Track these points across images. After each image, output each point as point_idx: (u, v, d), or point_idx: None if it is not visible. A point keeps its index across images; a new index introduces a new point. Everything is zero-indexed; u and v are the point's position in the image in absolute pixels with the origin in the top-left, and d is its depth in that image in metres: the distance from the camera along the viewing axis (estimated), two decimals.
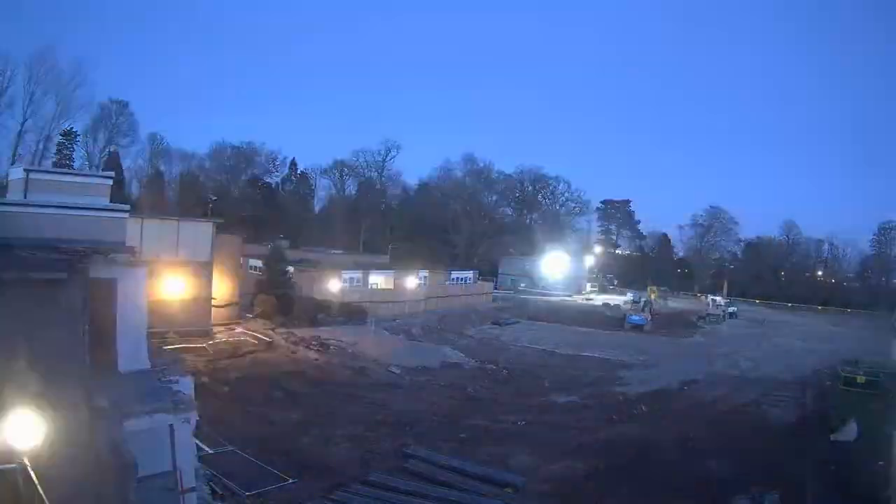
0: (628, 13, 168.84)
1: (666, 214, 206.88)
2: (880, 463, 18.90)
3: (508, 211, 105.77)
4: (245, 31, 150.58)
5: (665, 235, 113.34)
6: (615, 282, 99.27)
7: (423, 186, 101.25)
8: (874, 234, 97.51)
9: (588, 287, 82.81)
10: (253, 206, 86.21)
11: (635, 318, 54.59)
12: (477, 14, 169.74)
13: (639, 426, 24.05)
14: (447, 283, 59.70)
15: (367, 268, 54.16)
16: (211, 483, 14.29)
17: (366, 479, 16.57)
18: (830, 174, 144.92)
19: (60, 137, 67.30)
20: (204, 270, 32.05)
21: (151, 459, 10.70)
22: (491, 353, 38.37)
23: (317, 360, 30.60)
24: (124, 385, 11.57)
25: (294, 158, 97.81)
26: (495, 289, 66.95)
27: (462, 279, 63.81)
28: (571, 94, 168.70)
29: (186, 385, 12.91)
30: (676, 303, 75.38)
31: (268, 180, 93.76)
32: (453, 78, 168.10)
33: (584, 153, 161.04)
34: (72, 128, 68.08)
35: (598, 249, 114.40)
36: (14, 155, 58.60)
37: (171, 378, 12.83)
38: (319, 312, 40.47)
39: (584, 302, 69.94)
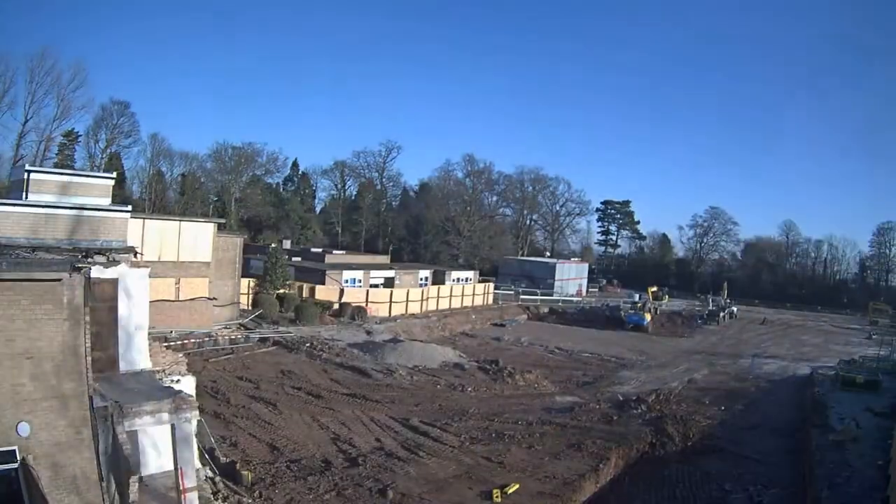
0: (625, 12, 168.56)
1: (666, 214, 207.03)
2: (879, 463, 18.96)
3: (508, 211, 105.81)
4: (246, 31, 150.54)
5: (665, 236, 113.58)
6: (615, 282, 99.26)
7: (424, 187, 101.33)
8: (873, 235, 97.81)
9: (588, 287, 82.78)
10: (254, 206, 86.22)
11: (635, 318, 54.64)
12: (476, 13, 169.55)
13: (639, 426, 24.08)
14: (447, 283, 59.77)
15: (367, 268, 54.25)
16: (211, 482, 14.33)
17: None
18: (830, 174, 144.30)
19: (62, 138, 67.30)
20: (204, 271, 32.12)
21: (152, 459, 10.78)
22: (491, 353, 38.39)
23: (317, 359, 30.65)
24: (125, 385, 11.62)
25: (296, 159, 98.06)
26: (495, 289, 66.89)
27: (462, 279, 63.88)
28: (571, 93, 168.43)
29: (187, 385, 12.98)
30: (676, 303, 75.38)
31: (268, 180, 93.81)
32: (454, 77, 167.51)
33: (584, 152, 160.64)
34: (73, 128, 68.13)
35: (597, 250, 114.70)
36: (16, 155, 58.59)
37: (172, 378, 12.90)
38: (320, 312, 40.53)
39: (584, 302, 69.96)
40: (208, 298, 32.32)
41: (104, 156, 72.84)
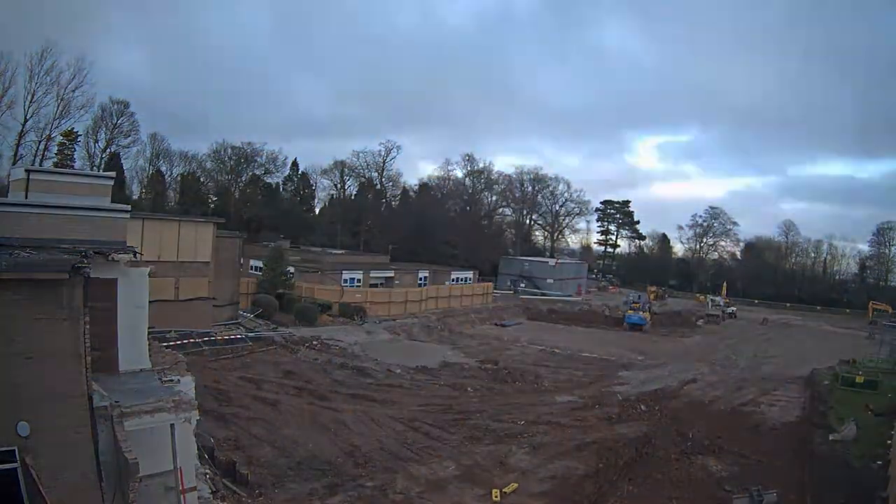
0: (622, 11, 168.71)
1: (666, 214, 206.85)
2: (878, 463, 18.98)
3: (508, 211, 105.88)
4: (245, 32, 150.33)
5: (664, 236, 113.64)
6: (615, 282, 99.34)
7: (424, 186, 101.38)
8: (873, 235, 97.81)
9: (587, 287, 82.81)
10: (254, 206, 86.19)
11: (635, 318, 54.69)
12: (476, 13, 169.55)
13: (638, 426, 24.09)
14: (447, 283, 59.81)
15: (367, 268, 54.26)
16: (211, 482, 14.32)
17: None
18: (829, 173, 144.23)
19: (61, 138, 67.19)
20: (204, 271, 32.11)
21: (152, 459, 10.74)
22: (491, 353, 38.36)
23: (317, 360, 30.66)
24: (125, 385, 11.61)
25: (295, 159, 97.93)
26: (495, 289, 66.95)
27: (462, 279, 63.92)
28: (571, 94, 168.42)
29: (187, 385, 12.96)
30: (676, 303, 75.40)
31: (268, 180, 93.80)
32: (453, 78, 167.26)
33: (582, 152, 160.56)
34: (73, 128, 68.03)
35: (596, 250, 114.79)
36: (15, 155, 58.52)
37: (172, 378, 12.88)
38: (320, 312, 40.55)
39: (584, 302, 69.98)
40: (208, 298, 32.32)
41: (104, 156, 72.82)
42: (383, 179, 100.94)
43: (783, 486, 18.07)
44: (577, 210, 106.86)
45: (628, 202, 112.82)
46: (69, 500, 9.37)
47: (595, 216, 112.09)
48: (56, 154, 65.98)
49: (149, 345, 13.36)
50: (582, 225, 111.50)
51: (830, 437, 22.12)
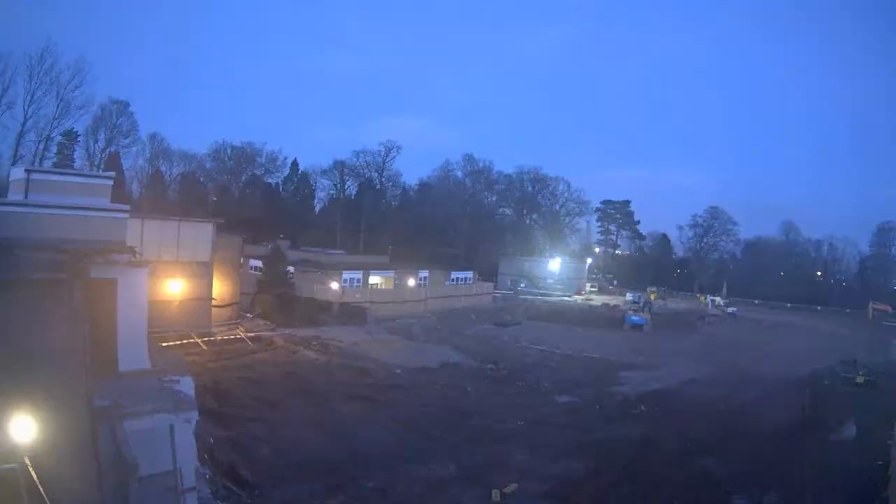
0: (628, 12, 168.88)
1: (666, 214, 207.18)
2: (879, 463, 18.96)
3: (508, 211, 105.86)
4: (246, 32, 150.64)
5: (665, 236, 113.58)
6: (615, 282, 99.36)
7: (424, 187, 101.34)
8: (873, 235, 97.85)
9: (588, 287, 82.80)
10: (253, 206, 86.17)
11: (635, 318, 54.66)
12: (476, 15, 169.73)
13: (638, 426, 24.07)
14: (447, 283, 59.81)
15: (367, 268, 54.26)
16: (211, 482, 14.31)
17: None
18: (830, 174, 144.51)
19: (61, 138, 67.29)
20: (204, 271, 32.09)
21: (152, 459, 10.74)
22: (491, 353, 38.31)
23: (317, 360, 30.64)
24: (125, 385, 11.61)
25: (295, 159, 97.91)
26: (495, 289, 66.99)
27: (462, 279, 63.92)
28: (571, 95, 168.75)
29: (187, 385, 12.96)
30: (676, 303, 75.40)
31: (268, 180, 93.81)
32: (453, 78, 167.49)
33: (583, 153, 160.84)
34: (72, 128, 68.08)
35: (597, 250, 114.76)
36: (15, 155, 58.64)
37: (172, 378, 12.88)
38: (320, 312, 40.53)
39: (584, 302, 69.98)
40: (208, 298, 32.31)
41: (103, 155, 72.88)
42: (383, 179, 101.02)
43: (783, 486, 18.06)
44: (577, 210, 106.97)
45: (628, 202, 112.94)
46: (69, 500, 9.37)
47: (595, 216, 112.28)
48: (56, 154, 66.04)
49: (149, 345, 13.36)
50: (582, 225, 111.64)
51: (831, 438, 22.10)
